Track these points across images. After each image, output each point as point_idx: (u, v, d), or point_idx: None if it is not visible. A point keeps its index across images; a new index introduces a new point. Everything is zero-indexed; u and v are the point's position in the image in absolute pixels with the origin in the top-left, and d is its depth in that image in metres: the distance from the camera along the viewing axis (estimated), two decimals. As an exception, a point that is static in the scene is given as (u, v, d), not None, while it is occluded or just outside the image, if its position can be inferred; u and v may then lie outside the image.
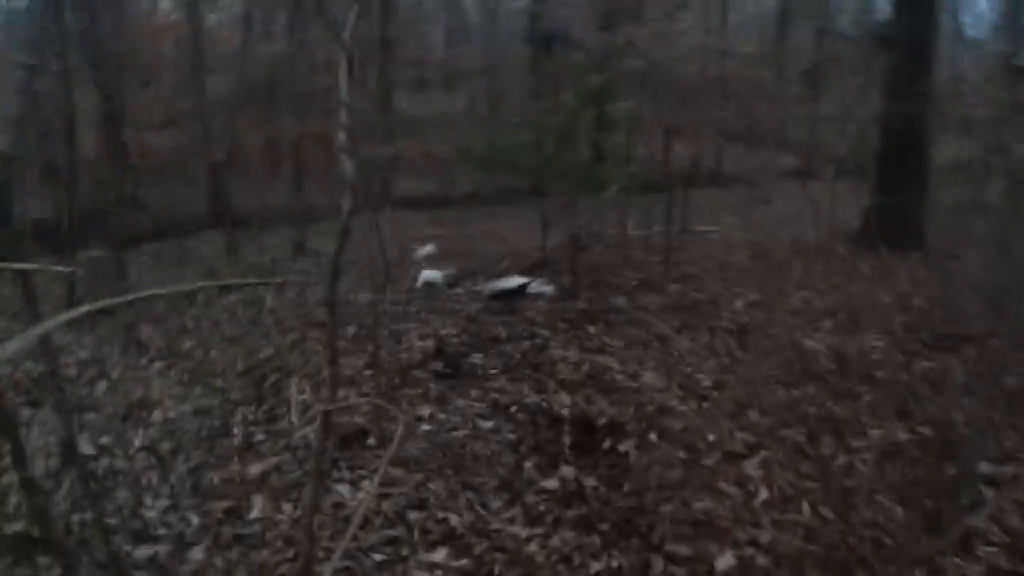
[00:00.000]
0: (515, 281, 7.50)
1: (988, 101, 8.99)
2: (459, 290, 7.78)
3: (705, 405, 4.38)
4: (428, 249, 9.83)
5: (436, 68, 19.66)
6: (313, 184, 13.11)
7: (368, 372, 5.37)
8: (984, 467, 3.26)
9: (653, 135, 11.00)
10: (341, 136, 2.47)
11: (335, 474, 3.67)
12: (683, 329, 5.94)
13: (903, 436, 3.90)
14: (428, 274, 7.95)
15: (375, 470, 3.70)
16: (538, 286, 7.47)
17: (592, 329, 5.96)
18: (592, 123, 8.40)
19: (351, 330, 6.55)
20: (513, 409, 4.41)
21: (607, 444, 3.87)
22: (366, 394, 4.87)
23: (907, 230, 8.68)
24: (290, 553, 3.10)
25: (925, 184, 8.97)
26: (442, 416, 4.39)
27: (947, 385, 4.53)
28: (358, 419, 4.38)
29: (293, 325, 6.92)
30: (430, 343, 5.58)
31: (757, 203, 13.84)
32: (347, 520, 3.28)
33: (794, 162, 19.55)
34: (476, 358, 5.33)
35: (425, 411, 4.45)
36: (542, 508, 3.27)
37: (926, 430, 3.95)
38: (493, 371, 5.10)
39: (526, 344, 5.62)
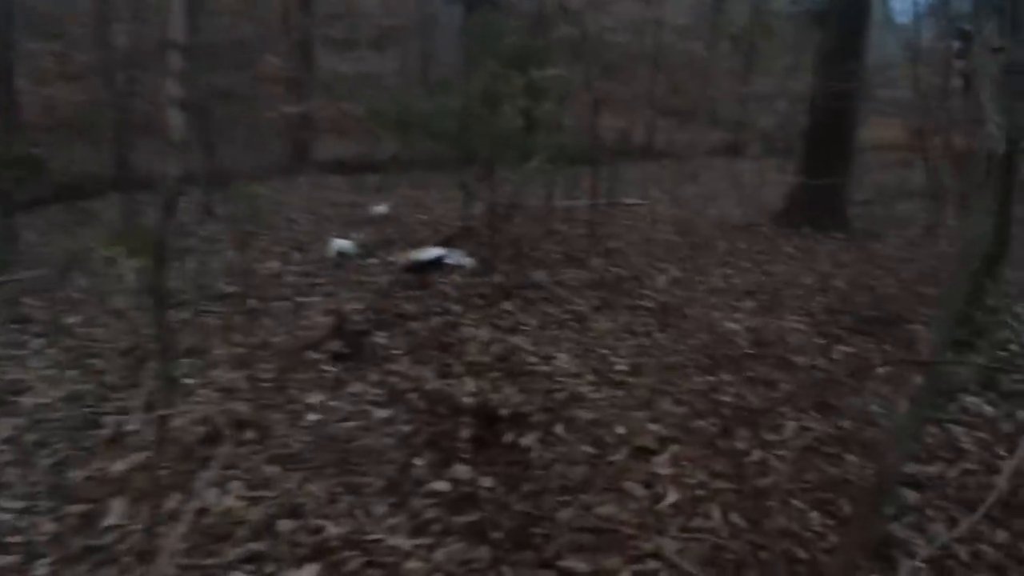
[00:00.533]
0: (431, 252, 7.07)
1: (916, 84, 8.93)
2: (373, 260, 7.31)
3: (618, 393, 4.08)
4: (382, 208, 9.23)
5: (365, 26, 18.72)
6: (231, 144, 12.34)
7: (262, 352, 4.92)
8: (908, 467, 3.04)
9: (583, 105, 10.69)
10: (170, 85, 1.99)
11: (202, 475, 3.22)
12: (603, 307, 5.65)
13: (821, 430, 3.68)
14: (340, 243, 7.44)
15: (250, 470, 3.28)
16: (456, 258, 7.07)
17: (508, 306, 5.61)
18: (520, 89, 7.98)
19: (252, 303, 6.05)
20: (413, 396, 4.02)
21: (509, 438, 3.53)
22: (257, 379, 4.41)
23: (831, 211, 8.59)
24: (139, 572, 2.66)
25: (850, 165, 8.88)
26: (333, 404, 3.97)
27: (867, 373, 4.35)
28: (240, 407, 3.94)
29: (188, 299, 6.35)
30: (331, 320, 5.13)
31: (685, 179, 13.70)
32: (212, 531, 2.86)
33: (724, 138, 19.59)
34: (380, 337, 4.92)
35: (315, 399, 4.03)
36: (430, 514, 2.90)
37: (846, 424, 3.75)
38: (396, 352, 4.70)
39: (435, 321, 5.23)
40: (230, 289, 6.52)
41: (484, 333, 4.93)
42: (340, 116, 11.55)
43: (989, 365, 4.37)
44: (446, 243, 7.90)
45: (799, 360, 4.74)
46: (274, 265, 7.23)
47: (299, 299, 6.12)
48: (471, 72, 9.17)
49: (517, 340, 4.86)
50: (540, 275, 6.47)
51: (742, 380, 4.32)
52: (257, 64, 12.81)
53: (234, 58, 12.51)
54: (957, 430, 3.77)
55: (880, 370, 4.37)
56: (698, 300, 5.95)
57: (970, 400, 4.06)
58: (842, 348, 5.04)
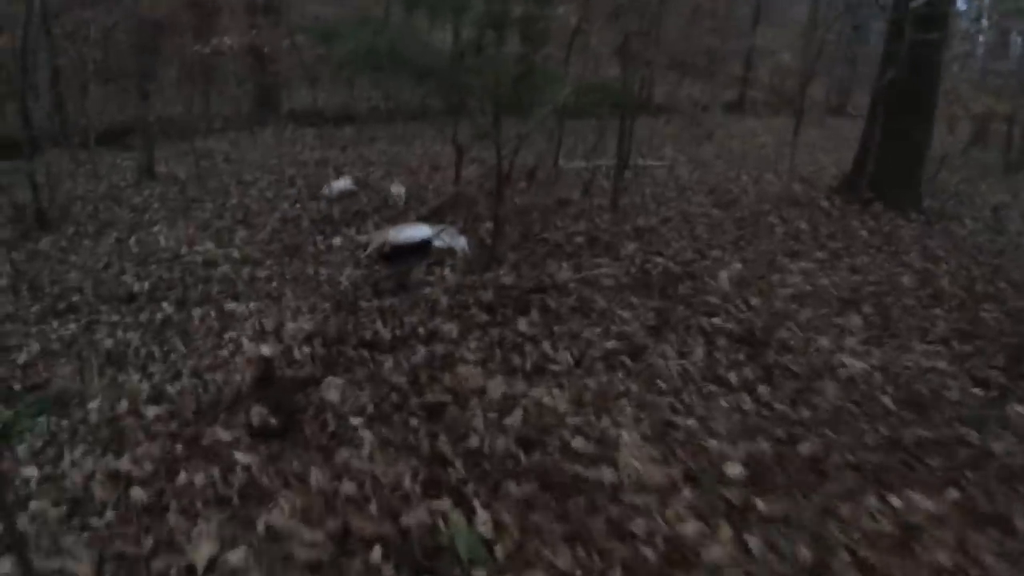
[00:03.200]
0: (415, 231, 5.05)
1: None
2: (336, 240, 5.30)
3: (753, 542, 2.16)
4: (342, 184, 6.89)
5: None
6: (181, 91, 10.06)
7: (153, 411, 2.97)
8: None
9: (582, 51, 8.61)
10: None
11: None
12: (661, 328, 3.70)
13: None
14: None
15: None
16: (447, 239, 5.07)
17: (524, 325, 3.65)
18: (520, 25, 5.90)
19: (162, 311, 4.07)
20: (372, 545, 2.09)
21: None
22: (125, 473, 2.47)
23: (906, 185, 6.64)
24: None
25: (931, 132, 6.89)
26: (235, 557, 2.04)
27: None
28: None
29: (79, 302, 4.36)
30: (254, 368, 3.14)
31: (699, 137, 11.67)
32: None
33: (727, 94, 17.50)
34: (332, 390, 2.95)
35: (208, 542, 2.09)
36: None
37: None
38: (354, 421, 2.74)
39: (419, 356, 3.27)
40: (139, 286, 4.51)
41: (495, 385, 2.98)
42: (312, 58, 9.27)
43: None
44: (435, 215, 5.91)
45: (973, 438, 2.84)
46: (209, 248, 5.18)
47: (229, 305, 4.12)
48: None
49: (547, 399, 2.92)
50: (562, 270, 4.49)
51: (937, 496, 2.41)
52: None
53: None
54: None
55: None
56: (786, 314, 4.02)
57: None
58: (1020, 409, 3.15)
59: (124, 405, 3.09)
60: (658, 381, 3.14)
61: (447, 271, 4.44)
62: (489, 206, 6.24)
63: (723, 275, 4.66)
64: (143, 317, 4.10)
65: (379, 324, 3.54)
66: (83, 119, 8.36)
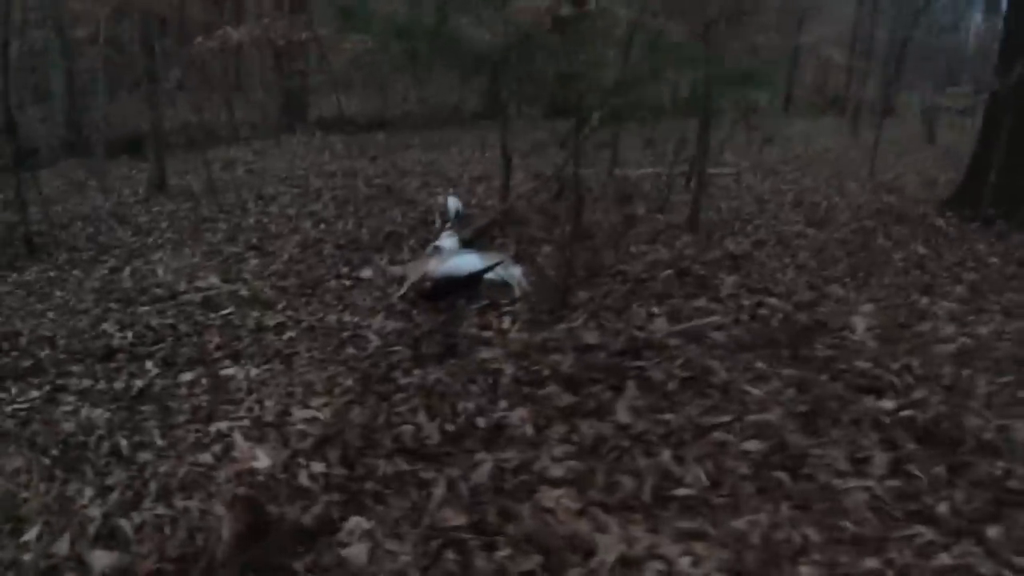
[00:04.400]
0: (463, 263, 3.93)
1: None
2: (365, 272, 4.23)
3: None
4: (453, 203, 5.05)
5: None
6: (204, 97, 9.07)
7: (100, 562, 1.94)
8: None
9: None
10: None
11: None
12: (815, 418, 2.56)
13: None
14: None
15: None
16: (503, 272, 3.97)
17: (624, 414, 2.53)
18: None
19: (140, 380, 3.05)
20: None
21: None
22: None
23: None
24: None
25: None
26: None
27: None
28: None
29: (43, 360, 3.34)
30: (258, 464, 2.08)
31: (757, 141, 10.41)
32: None
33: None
34: (354, 544, 1.87)
35: None
36: None
37: None
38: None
39: (481, 470, 2.17)
40: (121, 338, 3.48)
41: (608, 542, 1.87)
42: (338, 49, 8.18)
43: None
44: (479, 238, 4.83)
45: None
46: (212, 283, 4.15)
47: (226, 369, 3.06)
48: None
49: (687, 563, 1.81)
50: (654, 319, 3.37)
51: None
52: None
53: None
54: None
55: None
56: (963, 387, 2.85)
57: None
58: None
59: (66, 544, 2.06)
60: (842, 521, 2.01)
61: (506, 320, 3.34)
62: (544, 226, 5.14)
63: (859, 324, 3.48)
64: (119, 384, 3.06)
65: (422, 415, 2.44)
66: (96, 127, 7.41)
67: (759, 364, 3.04)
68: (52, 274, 4.71)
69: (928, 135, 13.09)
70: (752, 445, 2.42)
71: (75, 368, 3.25)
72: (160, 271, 4.41)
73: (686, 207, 5.44)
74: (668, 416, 2.59)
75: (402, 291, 3.77)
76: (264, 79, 9.93)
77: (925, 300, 3.91)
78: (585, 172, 6.70)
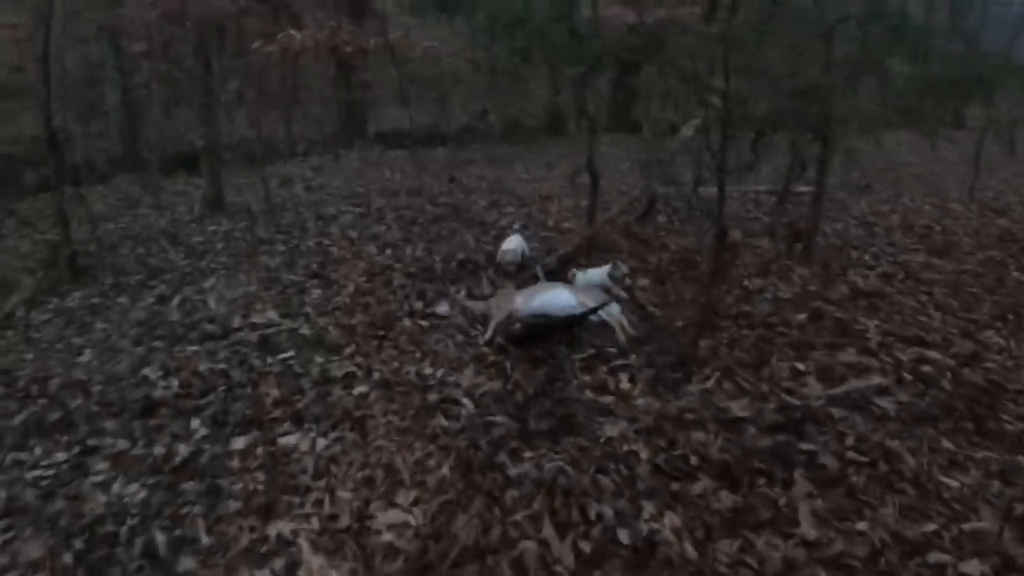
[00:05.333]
0: (554, 300, 3.30)
1: None
2: (442, 308, 3.61)
3: None
4: (516, 245, 4.22)
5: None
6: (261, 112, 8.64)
7: None
8: None
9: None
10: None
11: None
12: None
13: None
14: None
15: None
16: (602, 312, 3.31)
17: (807, 520, 1.86)
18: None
19: (162, 448, 2.48)
20: None
21: None
22: None
23: None
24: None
25: None
26: None
27: None
28: None
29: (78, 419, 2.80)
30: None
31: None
32: None
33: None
34: None
35: None
36: None
37: None
38: None
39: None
40: (164, 387, 2.94)
41: None
42: (406, 48, 7.61)
43: None
44: (569, 262, 4.17)
45: None
46: (270, 318, 3.58)
47: (285, 437, 2.46)
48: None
49: None
50: (804, 380, 2.67)
51: None
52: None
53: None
54: None
55: None
56: None
57: None
58: None
59: None
60: None
61: (623, 378, 2.67)
62: (635, 252, 4.47)
63: None
64: (159, 448, 2.48)
65: (547, 526, 1.79)
66: (152, 142, 7.00)
67: (945, 443, 2.34)
68: (95, 301, 4.21)
69: (1010, 148, 11.98)
70: (972, 568, 1.74)
71: (109, 424, 2.69)
72: (212, 302, 3.87)
73: (781, 230, 4.72)
74: (862, 525, 1.90)
75: (488, 335, 3.14)
76: (322, 92, 9.46)
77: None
78: (664, 190, 6.05)
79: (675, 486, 1.99)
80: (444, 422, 2.34)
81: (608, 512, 1.85)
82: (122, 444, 2.56)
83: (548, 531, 1.77)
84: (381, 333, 3.29)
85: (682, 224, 5.37)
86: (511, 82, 10.11)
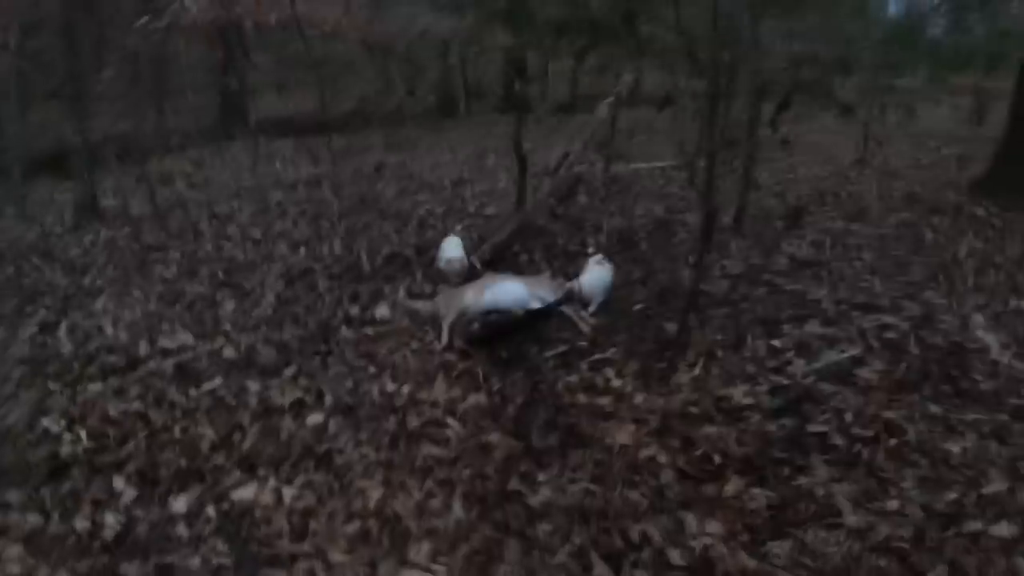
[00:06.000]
0: (506, 293, 3.04)
1: None
2: (381, 311, 3.24)
3: None
4: (452, 251, 3.60)
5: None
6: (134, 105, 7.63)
7: None
8: None
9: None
10: None
11: None
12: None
13: None
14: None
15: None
16: (545, 295, 3.08)
17: (848, 511, 1.75)
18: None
19: (84, 523, 1.99)
20: None
21: None
22: None
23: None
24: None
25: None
26: None
27: None
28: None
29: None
30: None
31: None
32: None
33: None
34: None
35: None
36: None
37: None
38: None
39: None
40: (71, 441, 2.42)
41: None
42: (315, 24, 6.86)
43: None
44: (498, 258, 3.90)
45: None
46: (183, 341, 3.07)
47: (237, 490, 2.06)
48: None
49: None
50: (782, 355, 2.58)
51: None
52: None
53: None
54: None
55: None
56: None
57: None
58: None
59: None
60: None
61: (609, 373, 2.46)
62: (570, 233, 4.27)
63: (992, 343, 2.81)
64: (80, 523, 2.00)
65: (595, 558, 1.55)
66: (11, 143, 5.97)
67: (933, 408, 2.32)
68: (-41, 336, 3.49)
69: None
70: (1003, 530, 1.71)
71: (12, 496, 2.15)
72: (108, 326, 3.28)
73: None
74: (893, 504, 1.82)
75: (444, 339, 2.83)
76: (196, 78, 8.54)
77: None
78: (581, 169, 5.91)
79: (707, 490, 1.81)
80: (433, 450, 2.03)
81: (653, 532, 1.64)
82: (33, 520, 2.05)
83: (600, 568, 1.53)
84: (322, 347, 2.89)
85: (602, 203, 5.24)
86: (404, 63, 9.60)
